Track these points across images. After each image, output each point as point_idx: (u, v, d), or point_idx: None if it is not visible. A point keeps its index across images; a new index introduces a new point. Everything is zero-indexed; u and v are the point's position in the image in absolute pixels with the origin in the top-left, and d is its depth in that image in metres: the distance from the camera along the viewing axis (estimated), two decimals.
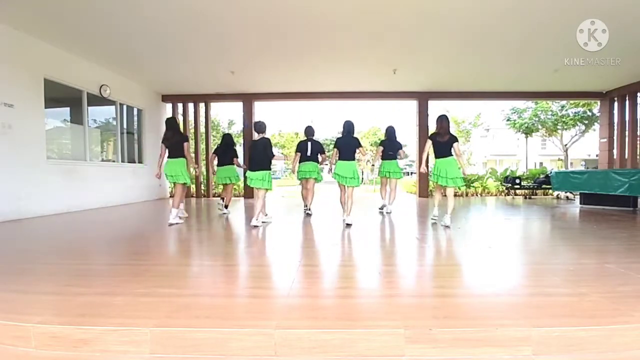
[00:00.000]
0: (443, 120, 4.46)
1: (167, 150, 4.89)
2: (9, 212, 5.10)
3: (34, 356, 1.54)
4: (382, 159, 5.88)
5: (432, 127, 12.40)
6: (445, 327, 1.53)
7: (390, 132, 5.93)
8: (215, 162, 6.00)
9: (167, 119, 5.11)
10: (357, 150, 4.84)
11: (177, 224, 4.67)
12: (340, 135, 5.01)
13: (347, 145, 4.76)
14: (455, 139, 4.42)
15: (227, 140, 5.96)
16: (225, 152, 5.86)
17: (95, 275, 2.44)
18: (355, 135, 4.88)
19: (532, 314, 1.66)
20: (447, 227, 4.26)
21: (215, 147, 6.12)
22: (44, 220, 5.24)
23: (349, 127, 4.83)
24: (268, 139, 4.69)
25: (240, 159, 6.14)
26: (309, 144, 5.43)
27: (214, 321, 1.61)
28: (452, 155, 4.41)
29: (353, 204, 4.76)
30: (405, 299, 1.92)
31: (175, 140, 4.83)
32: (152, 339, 1.52)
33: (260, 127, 4.75)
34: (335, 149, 4.85)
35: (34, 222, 5.05)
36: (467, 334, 1.51)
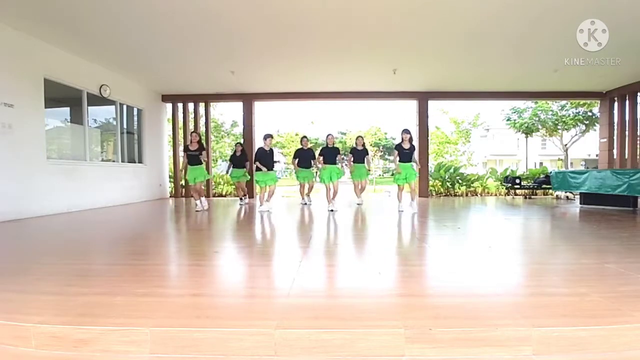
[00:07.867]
0: (407, 132, 5.87)
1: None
2: (9, 212, 5.10)
3: (34, 356, 1.54)
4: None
5: (432, 127, 12.66)
6: (445, 327, 1.53)
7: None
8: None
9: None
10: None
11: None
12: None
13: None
14: (414, 148, 5.93)
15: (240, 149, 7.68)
16: (239, 158, 7.52)
17: (95, 275, 2.44)
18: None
19: (532, 314, 1.66)
20: (416, 213, 5.61)
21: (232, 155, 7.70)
22: (44, 220, 5.24)
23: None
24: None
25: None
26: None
27: (214, 321, 1.61)
28: (412, 161, 5.88)
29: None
30: (405, 299, 1.92)
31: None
32: (152, 339, 1.52)
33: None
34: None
35: (34, 222, 5.05)
36: (467, 334, 1.51)
